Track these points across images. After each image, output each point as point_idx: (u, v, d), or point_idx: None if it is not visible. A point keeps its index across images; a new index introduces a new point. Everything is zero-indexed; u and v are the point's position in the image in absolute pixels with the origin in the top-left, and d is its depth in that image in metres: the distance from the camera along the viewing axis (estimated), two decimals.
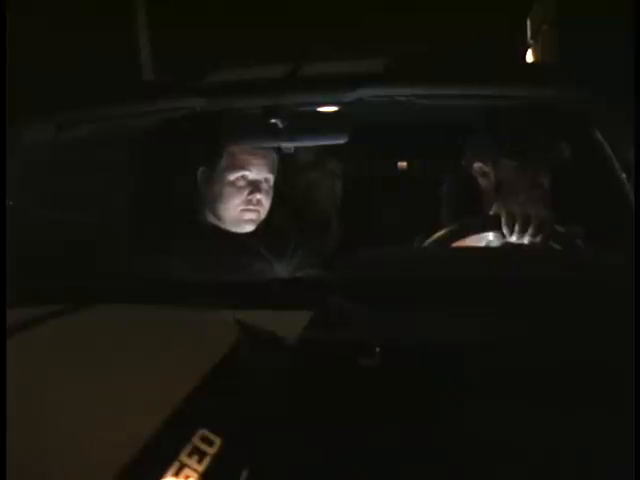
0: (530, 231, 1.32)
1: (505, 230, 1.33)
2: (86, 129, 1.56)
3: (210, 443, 0.71)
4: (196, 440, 0.71)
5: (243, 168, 1.69)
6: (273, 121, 1.38)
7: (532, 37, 6.41)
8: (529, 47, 6.50)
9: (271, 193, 1.74)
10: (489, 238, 1.39)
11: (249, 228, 1.73)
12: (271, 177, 1.73)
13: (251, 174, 1.69)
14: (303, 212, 1.97)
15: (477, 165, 1.67)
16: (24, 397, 0.80)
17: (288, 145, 1.48)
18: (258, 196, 1.69)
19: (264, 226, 1.75)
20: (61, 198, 1.66)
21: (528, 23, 6.59)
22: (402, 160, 2.22)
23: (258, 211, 1.71)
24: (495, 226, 1.35)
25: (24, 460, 0.70)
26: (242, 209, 1.70)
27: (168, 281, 1.24)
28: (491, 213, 1.38)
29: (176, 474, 0.67)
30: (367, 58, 1.62)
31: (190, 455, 0.69)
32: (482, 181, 1.67)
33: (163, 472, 0.67)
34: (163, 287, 1.19)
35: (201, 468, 0.68)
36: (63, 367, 0.89)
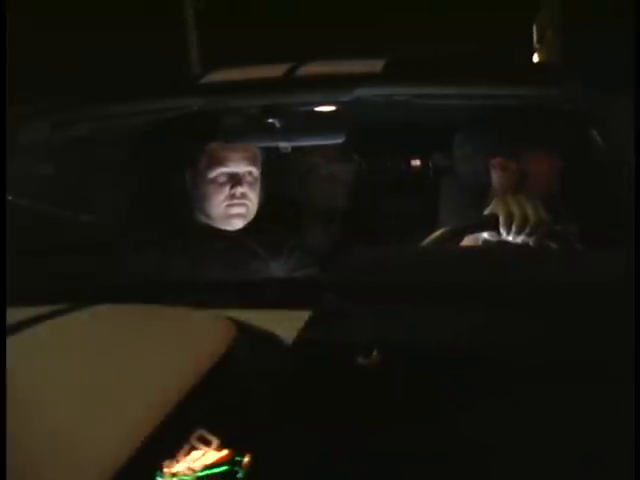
0: (527, 230, 1.31)
1: (502, 229, 1.33)
2: (84, 128, 1.56)
3: (207, 443, 0.71)
4: (193, 440, 0.71)
5: (221, 164, 1.70)
6: (270, 121, 1.38)
7: (538, 42, 6.45)
8: (535, 51, 6.55)
9: (257, 186, 1.73)
10: (485, 237, 1.38)
11: (239, 223, 1.72)
12: (254, 170, 1.72)
13: (229, 169, 1.70)
14: (301, 208, 1.96)
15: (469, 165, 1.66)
16: (23, 395, 0.80)
17: (285, 145, 1.49)
18: (240, 189, 1.69)
19: (260, 224, 1.74)
20: (60, 197, 1.66)
21: (534, 28, 6.62)
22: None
23: (245, 205, 1.71)
24: (492, 225, 1.34)
25: (22, 458, 0.70)
26: (227, 204, 1.70)
27: (165, 281, 1.24)
28: (487, 212, 1.37)
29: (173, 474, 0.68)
30: (366, 58, 1.62)
31: (187, 455, 0.69)
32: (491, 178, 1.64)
33: (160, 472, 0.67)
34: (160, 287, 1.19)
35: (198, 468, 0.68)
36: (61, 366, 0.89)
